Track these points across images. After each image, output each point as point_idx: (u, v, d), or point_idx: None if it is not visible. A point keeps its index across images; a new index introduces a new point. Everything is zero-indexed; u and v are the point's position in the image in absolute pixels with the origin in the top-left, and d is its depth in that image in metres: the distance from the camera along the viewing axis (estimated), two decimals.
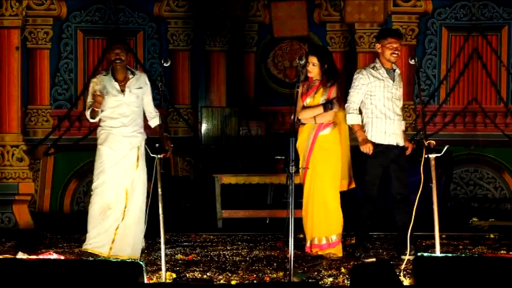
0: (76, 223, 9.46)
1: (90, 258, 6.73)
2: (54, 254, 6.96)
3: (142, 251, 7.36)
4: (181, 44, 10.35)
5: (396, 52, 7.25)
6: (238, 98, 10.48)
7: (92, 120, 7.26)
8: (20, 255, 6.84)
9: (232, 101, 10.45)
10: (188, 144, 10.31)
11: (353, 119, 7.31)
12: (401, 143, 7.34)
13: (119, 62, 7.16)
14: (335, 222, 7.47)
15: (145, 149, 7.00)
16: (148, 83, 7.33)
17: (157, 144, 6.75)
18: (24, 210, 9.31)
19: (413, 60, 7.00)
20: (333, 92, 7.49)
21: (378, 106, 7.28)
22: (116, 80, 7.21)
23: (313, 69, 7.48)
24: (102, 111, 7.14)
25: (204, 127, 10.23)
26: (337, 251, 7.46)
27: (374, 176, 7.29)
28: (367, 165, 7.30)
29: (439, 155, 6.52)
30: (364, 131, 7.30)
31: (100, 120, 7.22)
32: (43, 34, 10.03)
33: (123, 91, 7.18)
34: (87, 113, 7.19)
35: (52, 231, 8.93)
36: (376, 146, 7.25)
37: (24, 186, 9.41)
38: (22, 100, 9.62)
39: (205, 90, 10.44)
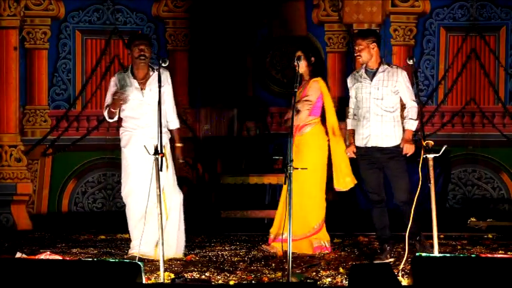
0: (74, 224, 9.48)
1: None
2: (52, 254, 6.95)
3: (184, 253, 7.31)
4: (180, 44, 10.34)
5: (356, 54, 7.13)
6: (236, 98, 10.47)
7: (110, 120, 7.16)
8: (18, 256, 6.84)
9: (230, 101, 10.45)
10: (187, 144, 10.30)
11: (347, 123, 7.33)
12: (385, 145, 7.11)
13: (143, 58, 6.99)
14: (308, 220, 7.45)
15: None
16: (170, 81, 7.13)
17: (155, 145, 6.73)
18: (22, 210, 9.31)
19: (411, 61, 7.00)
20: (307, 90, 7.49)
21: (358, 108, 7.23)
22: (136, 78, 7.05)
23: (301, 64, 7.43)
24: (122, 110, 7.03)
25: (202, 127, 10.23)
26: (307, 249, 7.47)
27: (367, 181, 7.20)
28: (360, 172, 7.26)
29: (437, 155, 6.51)
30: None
31: (122, 120, 7.10)
32: (41, 34, 10.02)
33: (142, 90, 7.07)
34: (105, 113, 7.06)
35: (50, 231, 8.93)
36: (357, 149, 7.21)
37: (22, 187, 9.41)
38: (20, 100, 9.62)
39: (203, 90, 10.43)
